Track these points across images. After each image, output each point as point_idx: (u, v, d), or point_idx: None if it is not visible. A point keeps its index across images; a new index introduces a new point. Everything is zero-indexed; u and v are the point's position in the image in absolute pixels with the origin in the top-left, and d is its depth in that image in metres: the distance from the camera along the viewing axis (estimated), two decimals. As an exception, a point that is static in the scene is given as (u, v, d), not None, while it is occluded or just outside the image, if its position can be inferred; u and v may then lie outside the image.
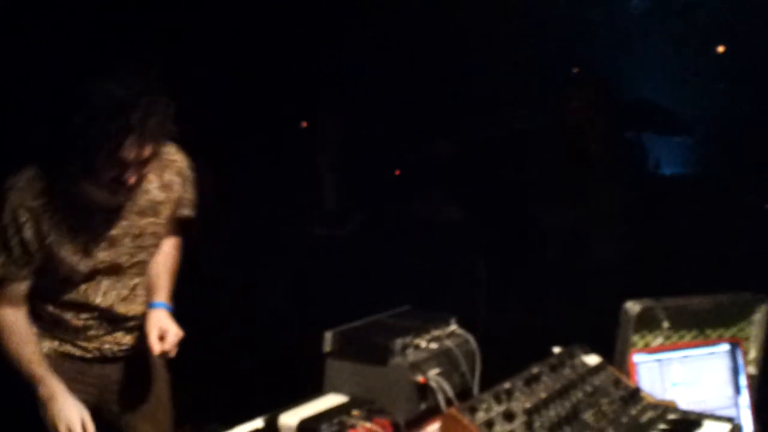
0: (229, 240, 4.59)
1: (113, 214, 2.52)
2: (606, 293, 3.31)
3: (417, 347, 2.42)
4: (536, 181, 4.67)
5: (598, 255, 4.46)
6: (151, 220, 2.61)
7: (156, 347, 2.51)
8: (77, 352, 2.68)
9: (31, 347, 2.54)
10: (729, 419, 2.50)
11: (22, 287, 2.51)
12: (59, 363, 2.62)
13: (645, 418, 2.43)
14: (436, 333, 2.54)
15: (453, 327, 2.62)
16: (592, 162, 4.55)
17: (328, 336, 2.32)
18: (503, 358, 2.51)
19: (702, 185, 6.21)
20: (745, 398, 3.16)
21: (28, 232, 2.42)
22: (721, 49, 6.95)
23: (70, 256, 2.48)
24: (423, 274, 4.53)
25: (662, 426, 2.40)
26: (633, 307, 2.98)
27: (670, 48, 6.83)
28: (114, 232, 2.54)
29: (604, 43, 6.56)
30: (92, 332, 2.67)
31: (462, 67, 5.73)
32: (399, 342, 2.34)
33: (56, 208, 2.43)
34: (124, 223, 2.55)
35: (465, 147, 5.27)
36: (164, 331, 2.54)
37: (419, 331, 2.47)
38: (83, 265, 2.52)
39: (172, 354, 2.56)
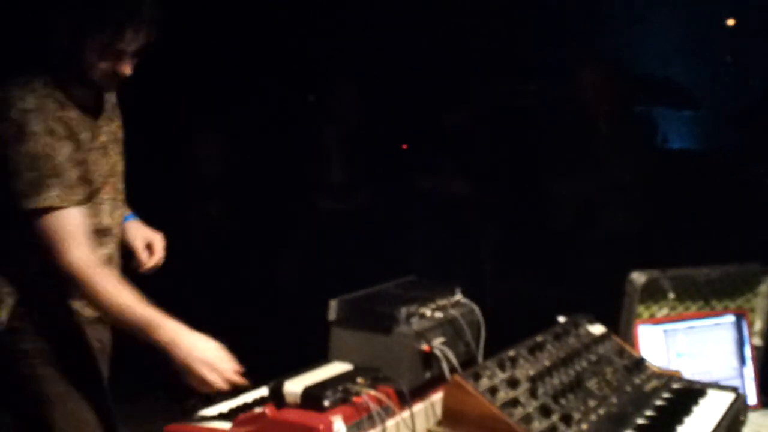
0: (235, 213, 4.60)
1: (96, 120, 2.40)
2: (613, 264, 3.30)
3: (422, 316, 2.41)
4: (546, 154, 4.66)
5: (607, 226, 4.47)
6: (117, 123, 2.54)
7: (145, 259, 2.38)
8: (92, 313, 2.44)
9: (128, 289, 2.23)
10: (733, 389, 2.51)
11: (84, 217, 2.26)
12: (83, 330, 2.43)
13: (649, 387, 2.44)
14: (441, 302, 2.54)
15: (458, 296, 2.61)
16: (602, 135, 4.54)
17: (333, 304, 2.32)
18: (509, 328, 2.52)
19: (710, 158, 6.20)
20: (749, 369, 3.16)
21: (68, 147, 2.23)
22: (731, 22, 6.90)
23: (88, 167, 2.33)
24: (430, 245, 4.53)
25: (666, 395, 2.41)
26: (638, 277, 2.99)
27: (680, 21, 6.79)
28: (103, 138, 2.44)
29: (614, 15, 6.53)
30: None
31: (471, 39, 5.71)
32: (404, 311, 2.34)
33: (69, 117, 2.29)
34: (105, 128, 2.45)
35: (475, 120, 5.25)
36: (149, 240, 2.42)
37: (424, 301, 2.46)
38: (98, 178, 2.37)
39: (161, 262, 2.43)
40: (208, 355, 2.15)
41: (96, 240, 2.34)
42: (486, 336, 2.52)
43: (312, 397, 2.01)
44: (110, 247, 2.46)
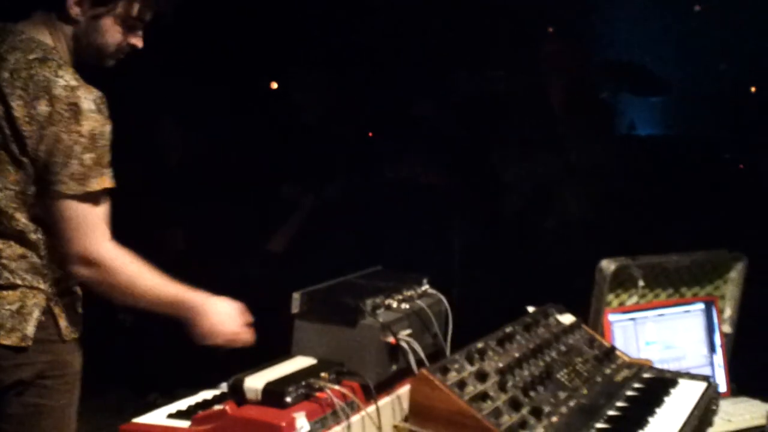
0: (198, 202, 4.51)
1: None
2: (583, 252, 3.27)
3: (388, 308, 2.35)
4: (514, 140, 4.62)
5: (577, 215, 4.44)
6: None
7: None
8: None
9: (149, 269, 2.23)
10: (705, 377, 2.48)
11: None
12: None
13: (620, 376, 2.40)
14: (407, 293, 2.47)
15: (425, 287, 2.55)
16: (569, 120, 4.51)
17: (296, 297, 2.24)
18: (479, 318, 2.47)
19: (679, 145, 6.20)
20: (719, 357, 3.14)
21: (109, 125, 2.17)
22: (698, 7, 6.90)
23: None
24: (398, 236, 4.47)
25: (637, 385, 2.37)
26: (608, 265, 2.95)
27: (647, 7, 6.77)
28: None
29: (582, 1, 6.49)
30: None
31: (438, 27, 5.65)
32: (369, 302, 2.27)
33: None
34: None
35: (443, 109, 5.20)
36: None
37: (390, 292, 2.40)
38: None
39: None
40: (232, 314, 2.26)
41: None
42: (455, 327, 2.46)
43: (273, 394, 1.94)
44: None
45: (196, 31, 4.87)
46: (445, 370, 1.99)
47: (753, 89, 6.36)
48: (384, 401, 2.16)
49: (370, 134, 5.40)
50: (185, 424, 1.97)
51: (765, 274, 3.30)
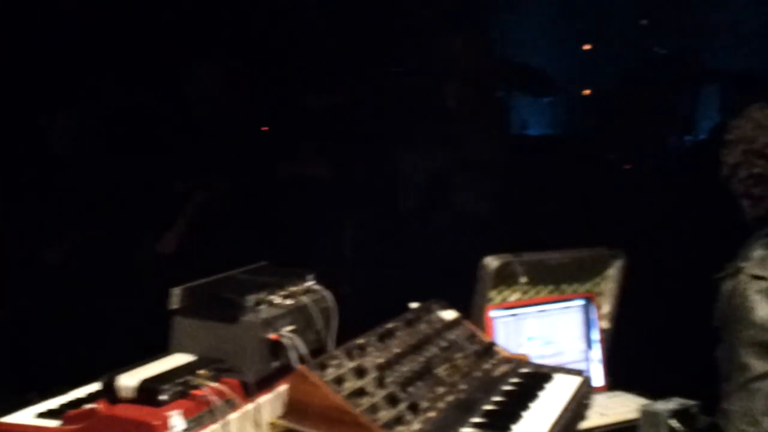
0: (81, 194, 4.38)
1: None
2: (470, 248, 3.31)
3: (270, 303, 2.33)
4: (403, 134, 4.66)
5: (466, 211, 4.50)
6: None
7: None
8: None
9: None
10: (579, 372, 2.55)
11: None
12: None
13: (498, 371, 2.45)
14: (292, 289, 2.46)
15: (310, 283, 2.55)
16: (462, 117, 4.56)
17: (175, 292, 2.21)
18: (368, 314, 2.48)
19: (567, 144, 6.35)
20: (597, 352, 3.24)
21: None
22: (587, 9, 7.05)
23: None
24: (289, 231, 4.45)
25: (514, 380, 2.42)
26: (491, 262, 3.00)
27: (540, 8, 6.91)
28: None
29: (474, 2, 6.57)
30: None
31: (329, 22, 5.63)
32: (251, 298, 2.26)
33: None
34: None
35: (334, 102, 5.18)
36: None
37: (274, 287, 2.38)
38: None
39: None
40: None
41: None
42: (345, 323, 2.46)
43: (148, 391, 1.90)
44: None
45: (84, 20, 4.74)
46: (323, 366, 1.99)
47: (639, 91, 6.55)
48: (264, 398, 2.15)
49: (264, 128, 5.35)
50: (55, 423, 1.92)
51: (643, 271, 3.41)
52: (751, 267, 2.27)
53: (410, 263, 4.32)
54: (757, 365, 2.21)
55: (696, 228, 4.28)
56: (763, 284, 2.23)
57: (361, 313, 2.48)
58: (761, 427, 2.20)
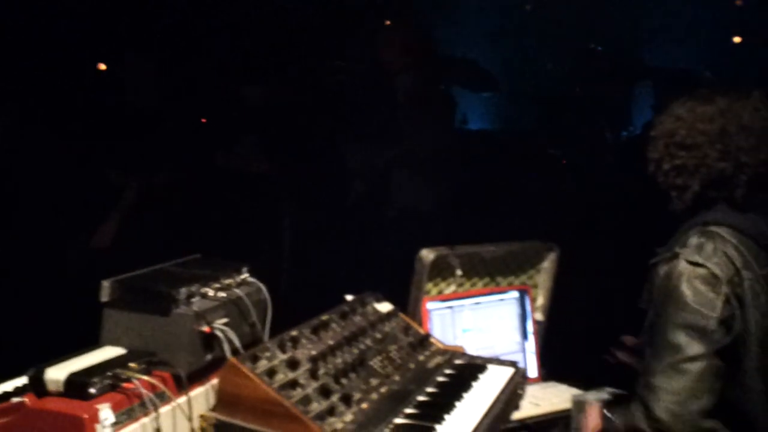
0: (12, 187, 4.29)
1: None
2: (408, 241, 3.32)
3: (204, 296, 2.32)
4: (348, 128, 4.66)
5: (402, 202, 4.51)
6: None
7: None
8: None
9: None
10: (512, 363, 2.58)
11: None
12: None
13: (432, 363, 2.47)
14: (226, 281, 2.44)
15: (244, 276, 2.53)
16: (404, 110, 4.58)
17: (106, 285, 2.18)
18: (305, 307, 2.47)
19: (508, 140, 6.43)
20: (531, 344, 3.28)
21: None
22: (528, 7, 7.15)
23: None
24: (228, 223, 4.42)
25: (448, 371, 2.44)
26: (427, 254, 3.02)
27: (482, 5, 6.97)
28: None
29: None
30: None
31: (275, 16, 5.61)
32: (183, 291, 2.24)
33: None
34: None
35: (276, 95, 5.15)
36: None
37: (207, 280, 2.37)
38: None
39: None
40: None
41: None
42: (283, 316, 2.46)
43: (76, 385, 1.88)
44: None
45: (18, 13, 4.65)
46: (254, 359, 1.99)
47: (577, 88, 6.65)
48: (197, 391, 2.14)
49: (203, 120, 5.30)
50: (-20, 417, 1.88)
51: (577, 264, 3.46)
52: (688, 253, 2.32)
53: (349, 256, 4.33)
54: (689, 347, 2.26)
55: (629, 221, 4.36)
56: (699, 270, 2.29)
57: (299, 306, 2.48)
58: (686, 407, 2.26)
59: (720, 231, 2.35)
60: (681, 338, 2.28)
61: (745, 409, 2.33)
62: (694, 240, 2.34)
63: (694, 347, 2.27)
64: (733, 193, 2.38)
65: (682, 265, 2.32)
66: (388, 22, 5.94)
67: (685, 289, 2.29)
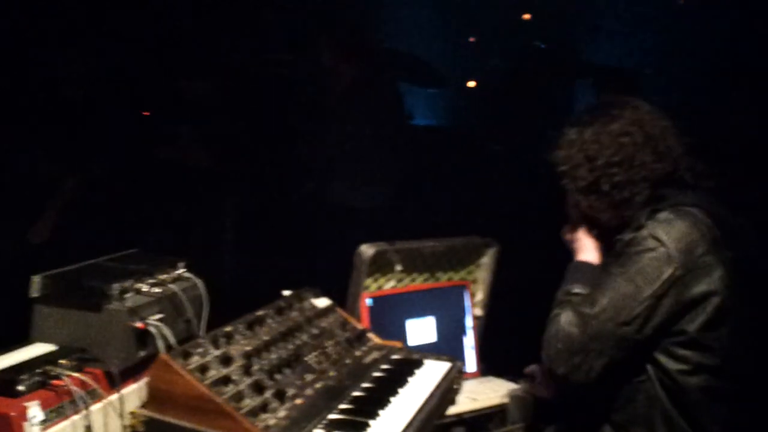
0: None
1: None
2: (349, 237, 3.32)
3: (138, 291, 2.30)
4: (291, 123, 4.64)
5: (347, 200, 4.51)
6: None
7: None
8: None
9: None
10: (449, 358, 2.59)
11: None
12: None
13: (369, 358, 2.47)
14: (161, 277, 2.42)
15: (181, 271, 2.51)
16: (345, 105, 4.57)
17: (36, 280, 2.15)
18: (245, 304, 2.46)
19: (451, 136, 6.45)
20: (470, 339, 3.30)
21: None
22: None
23: None
24: (167, 217, 4.37)
25: (385, 366, 2.45)
26: (366, 250, 3.02)
27: (427, 1, 6.98)
28: None
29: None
30: None
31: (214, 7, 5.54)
32: (116, 286, 2.21)
33: None
34: None
35: (218, 88, 5.11)
36: None
37: (142, 275, 2.34)
38: None
39: None
40: None
41: None
42: (221, 312, 2.44)
43: (4, 382, 1.86)
44: None
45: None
46: (186, 355, 1.97)
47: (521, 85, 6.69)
48: (130, 389, 2.12)
49: (146, 113, 5.23)
50: None
51: (516, 260, 3.49)
52: (654, 226, 2.26)
53: (290, 252, 4.31)
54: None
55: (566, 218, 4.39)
56: (660, 250, 2.23)
57: (238, 302, 2.47)
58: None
59: (692, 210, 2.30)
60: (605, 298, 2.23)
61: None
62: (664, 215, 2.29)
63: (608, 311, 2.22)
64: (682, 181, 2.37)
65: (644, 235, 2.26)
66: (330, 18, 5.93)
67: (640, 259, 2.24)
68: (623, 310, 2.22)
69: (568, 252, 2.61)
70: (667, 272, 2.22)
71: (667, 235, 2.25)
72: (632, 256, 2.27)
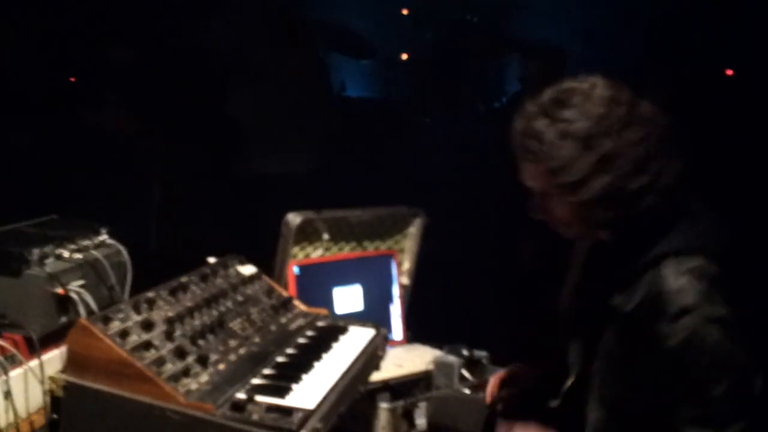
0: None
1: None
2: (276, 205, 3.31)
3: (59, 257, 2.27)
4: (213, 91, 4.58)
5: (283, 170, 4.48)
6: None
7: None
8: None
9: None
10: (374, 324, 2.62)
11: None
12: None
13: (294, 325, 2.49)
14: (83, 243, 2.40)
15: (103, 237, 2.48)
16: (270, 73, 4.53)
17: (-49, 245, 2.11)
18: (172, 271, 2.44)
19: (383, 107, 6.46)
20: (397, 307, 3.34)
21: None
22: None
23: None
24: (93, 185, 4.30)
25: (310, 333, 2.46)
26: (294, 218, 3.03)
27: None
28: None
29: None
30: None
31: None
32: (36, 251, 2.19)
33: None
34: None
35: (146, 55, 5.01)
36: None
37: (63, 241, 2.32)
38: None
39: None
40: None
41: None
42: (147, 280, 2.41)
43: None
44: None
45: None
46: (106, 320, 1.96)
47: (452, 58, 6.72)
48: (50, 355, 2.10)
49: (72, 79, 5.12)
50: None
51: (441, 229, 3.53)
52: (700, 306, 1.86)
53: (218, 220, 4.28)
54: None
55: (492, 190, 4.45)
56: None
57: (163, 270, 2.45)
58: None
59: (697, 262, 1.91)
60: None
61: None
62: (684, 282, 1.87)
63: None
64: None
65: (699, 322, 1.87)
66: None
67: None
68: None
69: (492, 224, 2.63)
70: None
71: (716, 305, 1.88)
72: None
